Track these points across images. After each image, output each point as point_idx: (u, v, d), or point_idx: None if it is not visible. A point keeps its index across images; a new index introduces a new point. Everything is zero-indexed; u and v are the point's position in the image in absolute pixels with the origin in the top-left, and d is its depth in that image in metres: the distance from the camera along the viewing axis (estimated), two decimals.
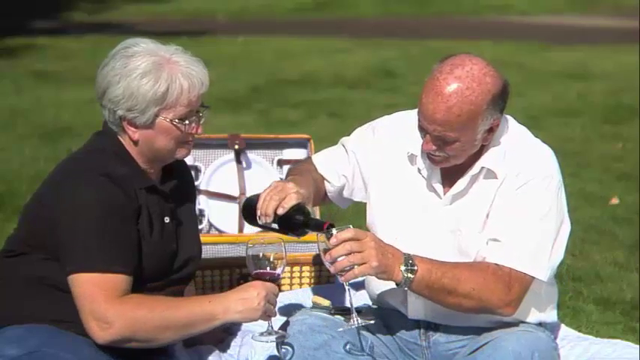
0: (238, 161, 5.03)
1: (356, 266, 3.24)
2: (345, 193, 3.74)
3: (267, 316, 3.31)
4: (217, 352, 4.03)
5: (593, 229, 6.22)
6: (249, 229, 4.86)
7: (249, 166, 5.04)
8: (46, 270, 3.33)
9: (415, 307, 3.59)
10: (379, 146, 3.65)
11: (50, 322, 3.31)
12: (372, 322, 3.42)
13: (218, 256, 4.74)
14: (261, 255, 3.30)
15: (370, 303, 3.81)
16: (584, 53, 12.95)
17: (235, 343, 4.12)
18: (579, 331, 4.49)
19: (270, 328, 3.34)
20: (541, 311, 3.61)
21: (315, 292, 4.27)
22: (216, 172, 5.02)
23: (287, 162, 5.02)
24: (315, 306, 3.60)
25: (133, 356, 3.38)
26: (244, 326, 4.27)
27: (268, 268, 3.30)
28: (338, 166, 3.73)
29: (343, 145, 3.76)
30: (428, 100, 3.33)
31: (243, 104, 9.94)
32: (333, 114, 9.42)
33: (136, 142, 3.39)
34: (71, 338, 3.29)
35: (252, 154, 5.06)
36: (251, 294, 3.27)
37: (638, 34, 13.47)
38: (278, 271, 3.31)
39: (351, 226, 3.29)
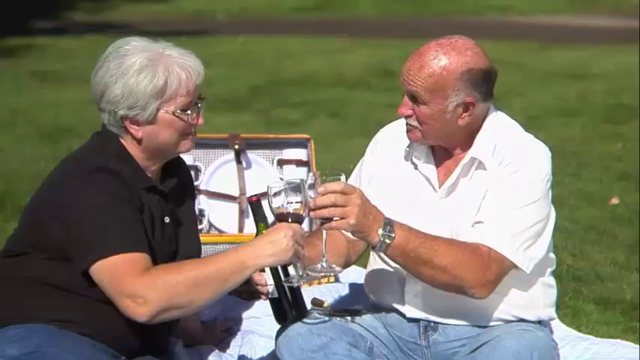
0: (238, 161, 5.03)
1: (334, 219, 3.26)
2: None
3: (296, 257, 3.28)
4: (217, 352, 4.03)
5: (593, 229, 6.22)
6: (250, 229, 4.87)
7: (249, 166, 5.04)
8: (47, 270, 3.33)
9: (414, 307, 3.59)
10: (380, 154, 3.69)
11: (50, 322, 3.31)
12: (340, 270, 3.43)
13: None
14: (280, 194, 3.27)
15: (369, 303, 3.80)
16: (584, 53, 12.93)
17: (235, 343, 4.12)
18: (579, 331, 4.50)
19: (300, 270, 3.31)
20: (537, 308, 3.62)
21: (315, 293, 4.27)
22: (216, 172, 5.02)
23: (287, 162, 5.02)
24: (315, 307, 3.60)
25: (133, 356, 3.39)
26: (244, 326, 4.28)
27: (291, 210, 3.26)
28: None
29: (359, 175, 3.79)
30: (408, 60, 3.49)
31: (243, 104, 9.94)
32: (333, 114, 9.42)
33: (139, 141, 3.39)
34: (71, 338, 3.29)
35: (252, 154, 5.06)
36: (279, 236, 3.24)
37: (638, 34, 13.46)
38: (300, 211, 3.27)
39: (343, 175, 3.30)
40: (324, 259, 3.33)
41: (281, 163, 5.05)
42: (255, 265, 3.24)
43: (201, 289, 3.21)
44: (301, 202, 3.25)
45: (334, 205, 3.24)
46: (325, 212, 3.25)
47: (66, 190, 3.30)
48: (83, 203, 3.26)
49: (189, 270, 3.22)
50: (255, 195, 3.38)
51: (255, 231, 3.40)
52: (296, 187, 3.26)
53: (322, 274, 3.38)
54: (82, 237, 3.24)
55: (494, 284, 3.43)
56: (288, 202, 3.26)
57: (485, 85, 3.49)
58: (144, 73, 3.33)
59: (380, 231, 3.31)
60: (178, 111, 3.38)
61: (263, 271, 3.35)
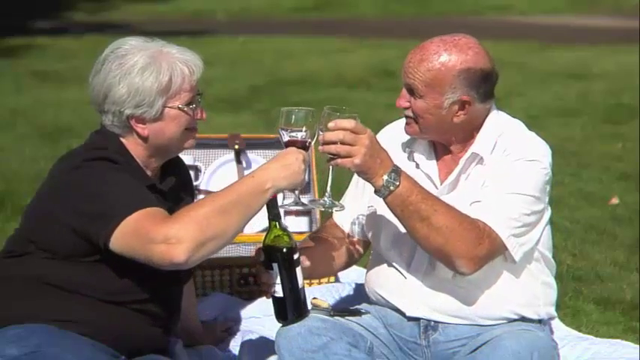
0: (238, 161, 5.03)
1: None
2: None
3: (301, 186, 3.33)
4: (217, 352, 4.03)
5: (593, 229, 6.22)
6: (250, 228, 4.86)
7: (249, 166, 5.04)
8: (47, 269, 3.33)
9: (414, 305, 3.59)
10: None
11: (50, 322, 3.30)
12: (342, 208, 3.45)
13: (218, 256, 4.73)
14: (292, 120, 3.32)
15: (369, 303, 3.80)
16: (584, 53, 12.94)
17: (235, 343, 4.12)
18: (579, 331, 4.50)
19: (297, 198, 3.38)
20: (537, 306, 3.62)
21: (315, 293, 4.27)
22: (216, 172, 5.02)
23: None
24: (315, 308, 3.60)
25: (133, 356, 3.39)
26: (244, 326, 4.28)
27: (299, 136, 3.31)
28: (351, 214, 3.76)
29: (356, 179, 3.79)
30: (410, 52, 3.52)
31: (243, 104, 9.94)
32: None
33: (145, 139, 3.41)
34: (72, 338, 3.29)
35: (252, 154, 5.06)
36: (291, 159, 3.27)
37: (638, 34, 13.46)
38: (308, 139, 3.33)
39: (357, 115, 3.32)
40: (326, 195, 3.38)
41: None
42: (272, 187, 3.24)
43: (229, 216, 3.19)
44: (307, 130, 3.30)
45: (342, 143, 3.26)
46: (332, 148, 3.28)
47: (68, 181, 3.32)
48: (89, 183, 3.27)
49: (212, 201, 3.22)
50: None
51: (266, 226, 3.42)
52: (307, 114, 3.31)
53: (324, 208, 3.41)
54: (97, 210, 3.23)
55: (483, 262, 3.43)
56: (296, 128, 3.31)
57: (483, 86, 3.50)
58: (148, 71, 3.35)
59: (385, 176, 3.33)
60: (184, 106, 3.39)
61: (271, 268, 3.36)
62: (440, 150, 3.64)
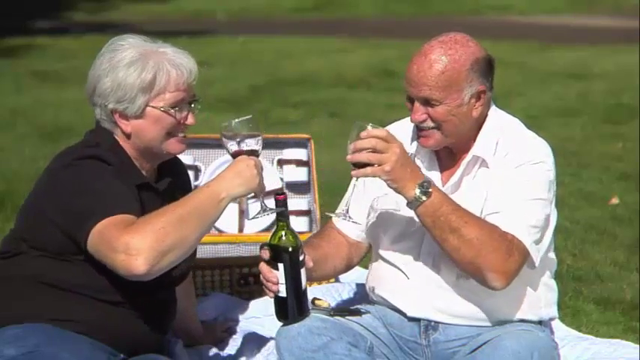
0: None
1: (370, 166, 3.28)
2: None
3: (262, 188, 3.35)
4: (217, 352, 4.03)
5: (593, 229, 6.22)
6: (249, 228, 4.87)
7: None
8: (42, 268, 3.33)
9: (416, 306, 3.59)
10: None
11: (49, 321, 3.30)
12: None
13: (218, 256, 4.74)
14: (234, 130, 3.36)
15: (369, 303, 3.80)
16: (584, 53, 12.93)
17: (235, 343, 4.12)
18: (579, 331, 4.50)
19: (263, 205, 3.40)
20: (539, 308, 3.62)
21: (315, 293, 4.27)
22: (216, 172, 4.98)
23: (287, 162, 5.02)
24: (315, 307, 3.60)
25: (132, 355, 3.38)
26: (244, 326, 4.28)
27: (244, 146, 3.35)
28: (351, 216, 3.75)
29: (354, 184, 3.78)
30: (413, 63, 3.47)
31: (243, 104, 9.93)
32: (333, 114, 9.41)
33: (128, 136, 3.40)
34: (70, 337, 3.28)
35: None
36: (241, 167, 3.30)
37: (638, 34, 13.46)
38: (255, 146, 3.36)
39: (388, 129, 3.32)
40: (345, 209, 3.46)
41: (281, 162, 5.04)
42: (228, 196, 3.27)
43: (186, 225, 3.21)
44: (250, 138, 3.34)
45: (374, 150, 3.26)
46: (363, 156, 3.27)
47: (57, 179, 3.32)
48: (75, 182, 3.27)
49: (172, 211, 3.23)
50: (282, 194, 3.39)
51: (265, 227, 3.41)
52: (246, 123, 3.37)
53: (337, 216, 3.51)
54: (78, 210, 3.23)
55: (513, 275, 3.40)
56: (242, 141, 3.35)
57: (490, 73, 3.53)
58: (133, 67, 3.35)
59: (417, 187, 3.31)
60: (167, 107, 3.38)
61: (276, 268, 3.35)
62: (442, 153, 3.62)
